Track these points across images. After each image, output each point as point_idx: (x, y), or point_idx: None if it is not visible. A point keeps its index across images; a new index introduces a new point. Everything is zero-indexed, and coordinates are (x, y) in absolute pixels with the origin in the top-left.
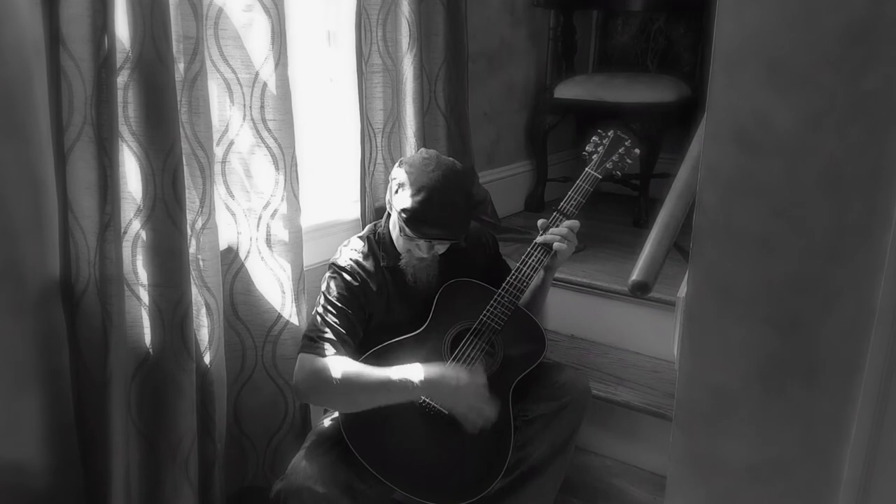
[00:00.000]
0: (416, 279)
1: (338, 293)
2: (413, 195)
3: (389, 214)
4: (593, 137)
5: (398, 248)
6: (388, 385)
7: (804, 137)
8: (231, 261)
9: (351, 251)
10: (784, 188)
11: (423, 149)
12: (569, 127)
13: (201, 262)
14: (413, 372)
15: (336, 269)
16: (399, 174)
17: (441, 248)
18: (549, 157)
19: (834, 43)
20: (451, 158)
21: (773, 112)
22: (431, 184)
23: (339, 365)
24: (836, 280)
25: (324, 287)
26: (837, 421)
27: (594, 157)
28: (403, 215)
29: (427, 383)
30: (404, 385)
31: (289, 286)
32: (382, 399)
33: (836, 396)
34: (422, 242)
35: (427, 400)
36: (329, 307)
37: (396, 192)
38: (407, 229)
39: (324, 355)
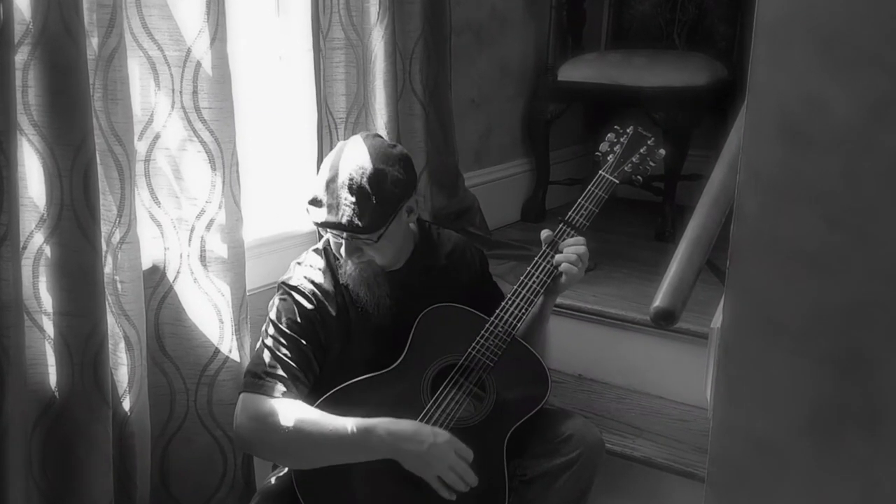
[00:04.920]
0: (358, 298)
1: (289, 319)
2: (320, 175)
3: None
4: (609, 134)
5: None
6: (345, 440)
7: (866, 129)
8: (156, 283)
9: (305, 268)
10: (842, 192)
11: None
12: (575, 117)
13: (119, 285)
14: (378, 426)
15: (287, 289)
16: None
17: (372, 252)
18: (552, 154)
19: None
20: (388, 142)
21: (829, 98)
22: (341, 163)
23: (290, 410)
24: None
25: (272, 312)
26: None
27: (609, 157)
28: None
29: (395, 440)
30: (364, 441)
31: (228, 314)
32: (338, 457)
33: None
34: (341, 245)
35: None
36: (278, 336)
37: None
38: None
39: (272, 395)
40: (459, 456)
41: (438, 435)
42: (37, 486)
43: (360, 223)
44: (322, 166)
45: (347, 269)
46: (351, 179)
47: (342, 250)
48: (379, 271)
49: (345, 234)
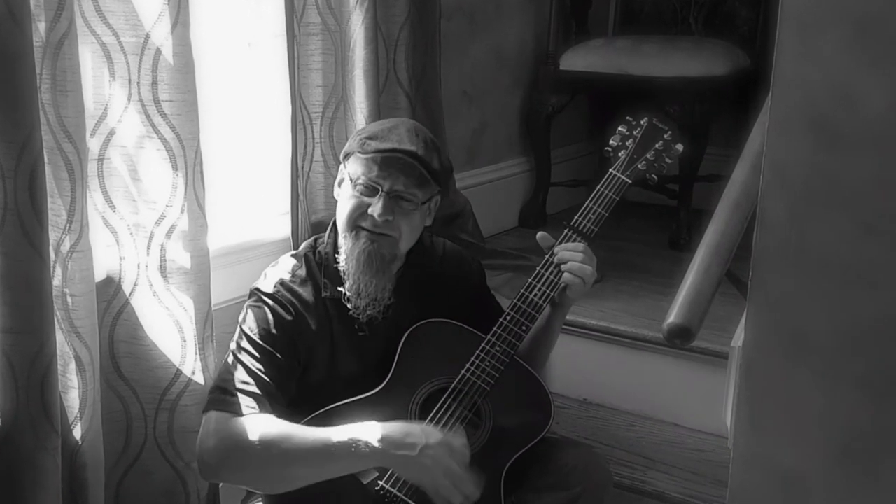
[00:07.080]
0: (358, 306)
1: (262, 329)
2: (369, 126)
3: (334, 227)
4: (620, 127)
5: (341, 252)
6: (329, 450)
7: None
8: (111, 297)
9: (282, 274)
10: (878, 195)
11: None
12: (579, 111)
13: (69, 299)
14: (364, 431)
15: (260, 296)
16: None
17: (403, 226)
18: (553, 152)
19: None
20: None
21: (863, 91)
22: (395, 120)
23: (260, 426)
24: None
25: (243, 321)
26: None
27: (621, 153)
28: (355, 146)
29: (384, 445)
30: (352, 448)
31: (191, 331)
32: (323, 471)
33: None
34: (377, 202)
35: (386, 486)
36: (250, 348)
37: (344, 159)
38: (359, 159)
39: (241, 414)
40: (457, 460)
41: (430, 435)
42: None
43: (425, 159)
44: (363, 127)
45: (359, 244)
46: (417, 129)
47: (367, 215)
48: (396, 255)
49: (386, 188)
